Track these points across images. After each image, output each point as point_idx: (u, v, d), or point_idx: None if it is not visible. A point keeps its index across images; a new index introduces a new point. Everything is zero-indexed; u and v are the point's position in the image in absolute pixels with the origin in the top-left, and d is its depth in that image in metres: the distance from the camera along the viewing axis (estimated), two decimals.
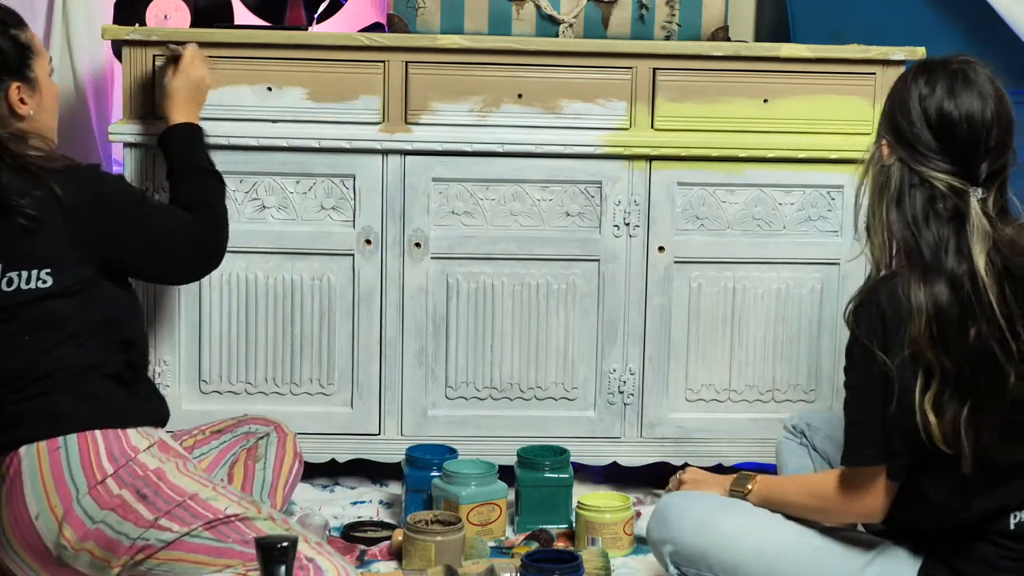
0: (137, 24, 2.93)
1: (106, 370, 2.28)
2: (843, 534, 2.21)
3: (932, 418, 1.99)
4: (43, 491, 2.15)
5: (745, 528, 2.20)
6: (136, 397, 2.32)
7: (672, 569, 2.24)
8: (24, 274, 2.23)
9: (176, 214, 2.52)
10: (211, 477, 2.31)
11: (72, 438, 2.18)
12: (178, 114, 2.70)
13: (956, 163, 2.04)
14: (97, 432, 2.20)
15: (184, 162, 2.64)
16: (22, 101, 2.35)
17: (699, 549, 2.20)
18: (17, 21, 2.40)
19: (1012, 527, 2.06)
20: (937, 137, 2.04)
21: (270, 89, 2.87)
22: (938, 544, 2.09)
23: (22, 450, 2.18)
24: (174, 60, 2.76)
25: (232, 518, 2.16)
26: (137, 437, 2.24)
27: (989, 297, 1.99)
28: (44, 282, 2.24)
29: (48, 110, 2.42)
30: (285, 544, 1.84)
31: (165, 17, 3.06)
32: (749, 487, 2.28)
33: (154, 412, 2.37)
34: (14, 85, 2.34)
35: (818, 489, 2.20)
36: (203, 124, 2.76)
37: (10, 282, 2.23)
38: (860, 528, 2.26)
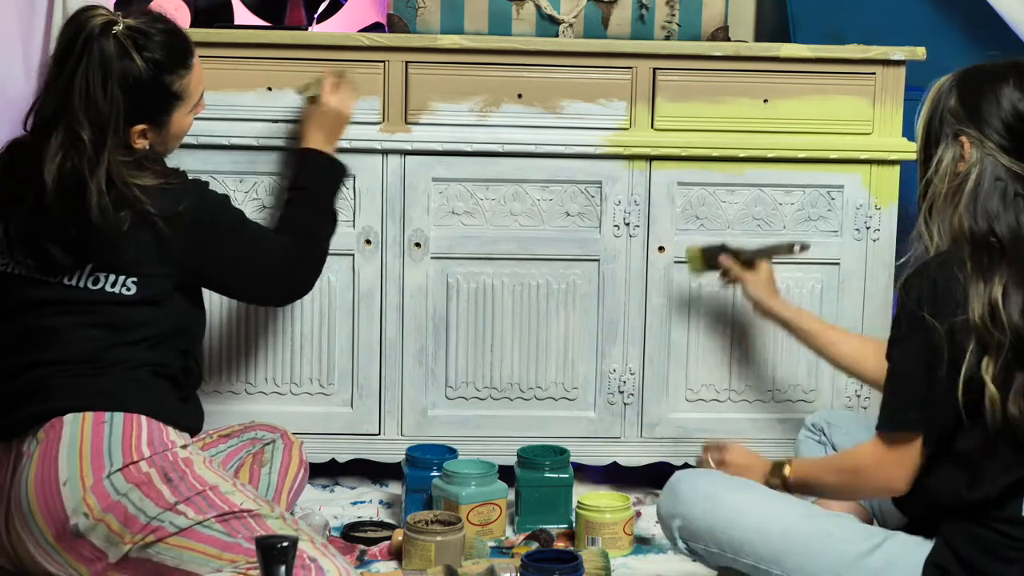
0: None
1: (165, 371, 2.35)
2: (852, 518, 2.22)
3: (992, 391, 2.02)
4: (78, 459, 2.18)
5: (752, 506, 2.20)
6: (183, 401, 2.39)
7: (680, 544, 2.25)
8: (111, 277, 2.30)
9: (273, 240, 2.55)
10: (231, 475, 2.33)
11: (119, 416, 2.23)
12: (324, 143, 2.74)
13: None
14: (143, 417, 2.25)
15: (315, 188, 2.69)
16: (143, 137, 2.35)
17: (707, 524, 2.21)
18: (177, 64, 2.35)
19: (1023, 513, 2.07)
20: None
21: (270, 89, 2.87)
22: (948, 531, 2.10)
23: (68, 417, 2.22)
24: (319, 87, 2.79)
25: (245, 513, 2.18)
26: (175, 434, 2.29)
27: None
28: (128, 289, 2.30)
29: (170, 142, 2.43)
30: (285, 544, 1.84)
31: None
32: (785, 473, 2.29)
33: (195, 419, 2.44)
34: (140, 127, 2.34)
35: (846, 462, 2.23)
36: (207, 125, 2.76)
37: (96, 280, 2.29)
38: (875, 523, 2.27)
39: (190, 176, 2.45)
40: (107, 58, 2.26)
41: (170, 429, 2.28)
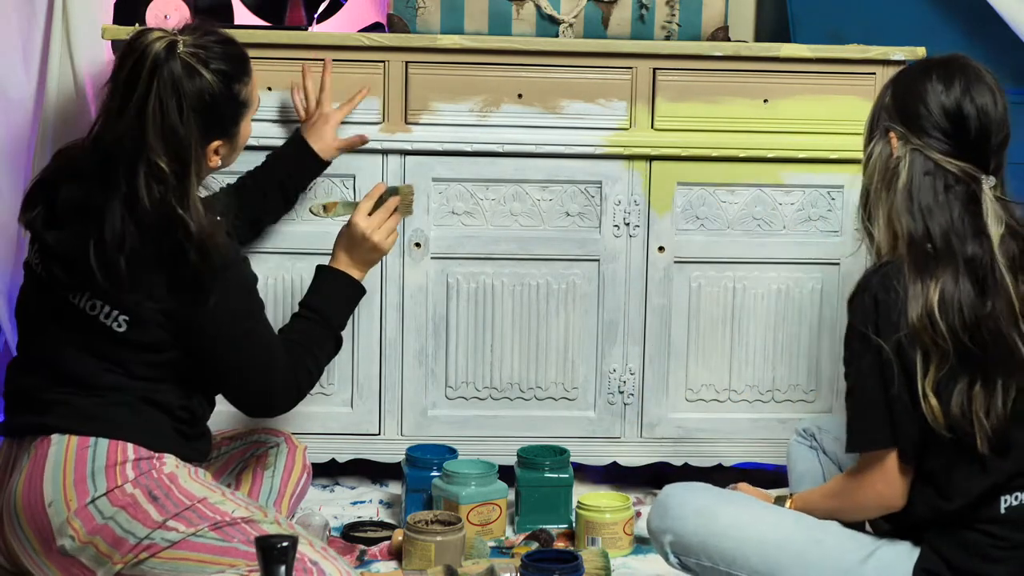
0: (137, 24, 2.93)
1: (162, 406, 2.26)
2: (845, 528, 2.22)
3: (933, 401, 2.03)
4: (62, 483, 2.15)
5: (745, 518, 2.21)
6: (181, 435, 2.29)
7: (672, 559, 2.25)
8: (106, 308, 2.21)
9: (275, 352, 2.33)
10: (220, 485, 2.31)
11: (104, 441, 2.18)
12: (351, 265, 2.54)
13: (970, 153, 2.11)
14: (129, 445, 2.19)
15: (325, 310, 2.48)
16: (217, 153, 2.28)
17: (699, 539, 2.21)
18: (241, 71, 2.27)
19: (1003, 511, 2.08)
20: (954, 129, 2.11)
21: (270, 89, 2.87)
22: (934, 536, 2.10)
23: (54, 437, 2.18)
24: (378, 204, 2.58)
25: (238, 520, 2.17)
26: (168, 456, 2.23)
27: (1005, 278, 2.06)
28: (120, 326, 2.21)
29: (235, 154, 2.36)
30: (285, 544, 1.84)
31: (165, 17, 3.06)
32: (786, 507, 2.30)
33: (194, 452, 2.33)
34: (216, 144, 2.26)
35: (833, 488, 2.24)
36: None
37: (93, 307, 2.21)
38: (868, 528, 2.28)
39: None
40: (178, 80, 2.16)
41: (164, 456, 2.22)
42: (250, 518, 2.18)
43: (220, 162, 2.30)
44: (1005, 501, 2.08)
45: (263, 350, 2.32)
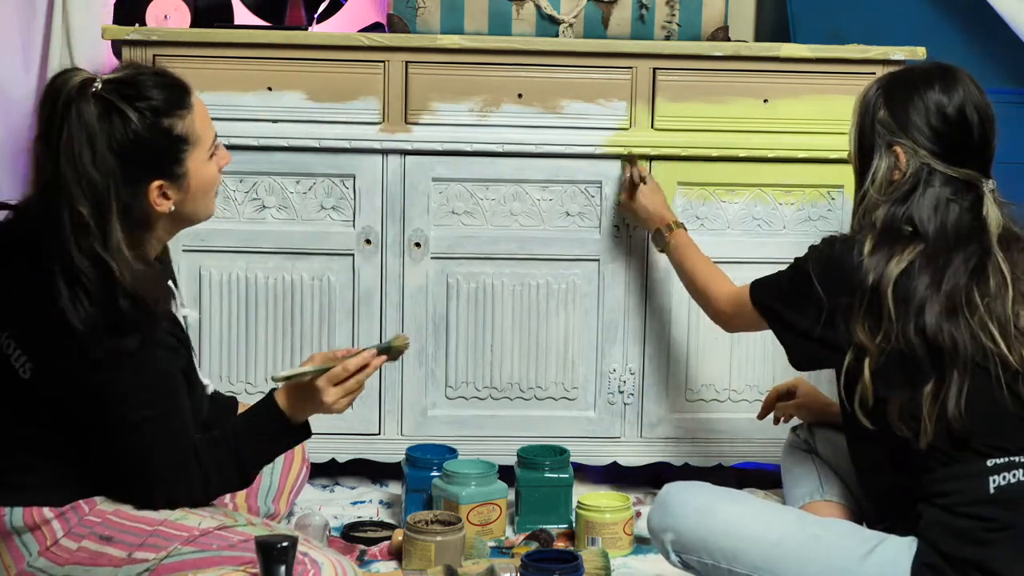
0: (137, 24, 2.93)
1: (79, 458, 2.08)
2: (845, 524, 2.24)
3: (867, 380, 2.11)
4: None
5: (746, 515, 2.21)
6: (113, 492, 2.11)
7: (673, 557, 2.25)
8: (15, 350, 2.05)
9: (176, 438, 2.09)
10: None
11: (18, 510, 2.05)
12: (307, 413, 2.22)
13: (972, 158, 2.15)
14: (44, 508, 2.05)
15: (258, 439, 2.18)
16: (164, 196, 2.08)
17: (699, 536, 2.21)
18: (174, 106, 2.07)
19: (992, 491, 2.09)
20: (959, 137, 2.14)
21: (270, 89, 2.87)
22: (925, 529, 2.11)
23: None
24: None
25: (209, 530, 2.07)
26: (97, 498, 2.09)
27: (1002, 275, 2.10)
28: (24, 372, 2.04)
29: (199, 196, 2.13)
30: (285, 544, 1.84)
31: (165, 17, 3.06)
32: (662, 248, 2.74)
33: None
34: (155, 184, 2.06)
35: (708, 287, 2.60)
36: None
37: (8, 345, 2.06)
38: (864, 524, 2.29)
39: None
40: (88, 120, 1.99)
41: (94, 499, 2.07)
42: (222, 525, 2.09)
43: (172, 206, 2.09)
44: (994, 481, 2.09)
45: (164, 436, 2.09)
